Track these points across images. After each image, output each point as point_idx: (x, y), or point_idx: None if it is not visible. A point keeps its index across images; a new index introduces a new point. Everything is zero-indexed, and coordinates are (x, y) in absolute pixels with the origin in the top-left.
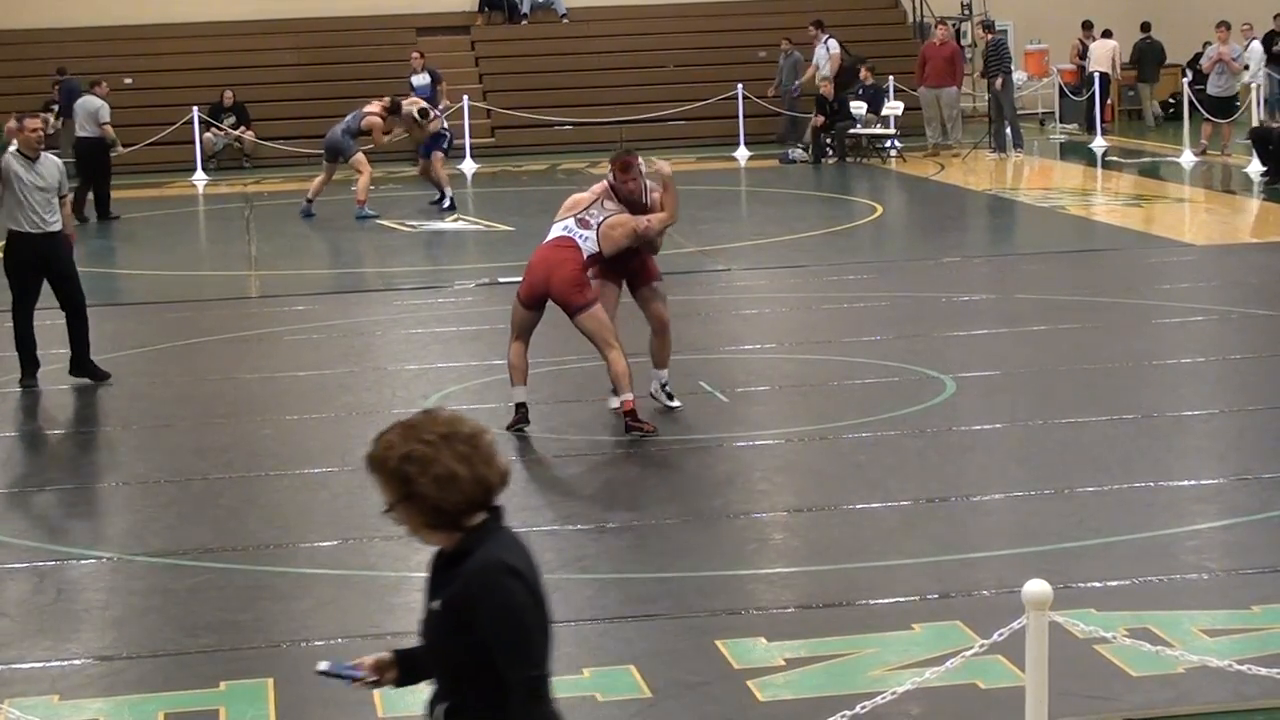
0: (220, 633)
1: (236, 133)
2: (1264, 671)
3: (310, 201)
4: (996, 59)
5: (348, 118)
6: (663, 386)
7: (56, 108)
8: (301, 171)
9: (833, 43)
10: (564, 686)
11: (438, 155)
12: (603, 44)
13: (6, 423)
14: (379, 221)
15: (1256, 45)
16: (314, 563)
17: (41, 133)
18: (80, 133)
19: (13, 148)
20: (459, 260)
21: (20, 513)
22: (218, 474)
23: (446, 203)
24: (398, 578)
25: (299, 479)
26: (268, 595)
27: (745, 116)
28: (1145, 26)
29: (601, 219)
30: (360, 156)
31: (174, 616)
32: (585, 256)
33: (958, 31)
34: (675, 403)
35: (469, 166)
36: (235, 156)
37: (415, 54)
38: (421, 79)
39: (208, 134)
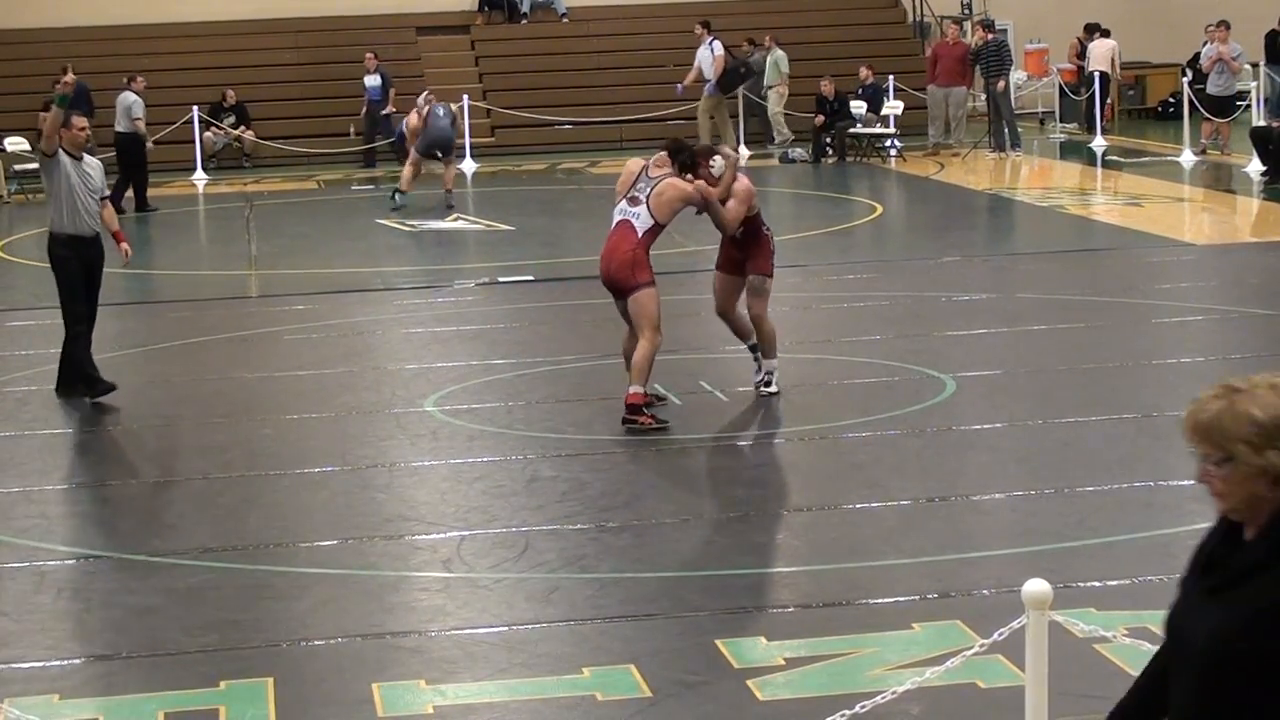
0: (220, 632)
1: (236, 132)
2: None
3: (449, 193)
4: (998, 60)
5: (441, 110)
6: (765, 374)
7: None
8: (301, 171)
9: (717, 44)
10: (564, 686)
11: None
12: (603, 43)
13: (7, 422)
14: (379, 221)
15: (1213, 46)
16: (314, 562)
17: (89, 131)
18: (117, 128)
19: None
20: (459, 260)
21: (21, 512)
22: (217, 473)
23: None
24: (398, 577)
25: (299, 478)
26: (268, 595)
27: (745, 116)
28: (1091, 28)
29: (650, 189)
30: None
31: (174, 616)
32: (642, 234)
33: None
34: (771, 389)
35: (469, 166)
36: (235, 156)
37: (369, 55)
38: (374, 80)
39: (208, 133)
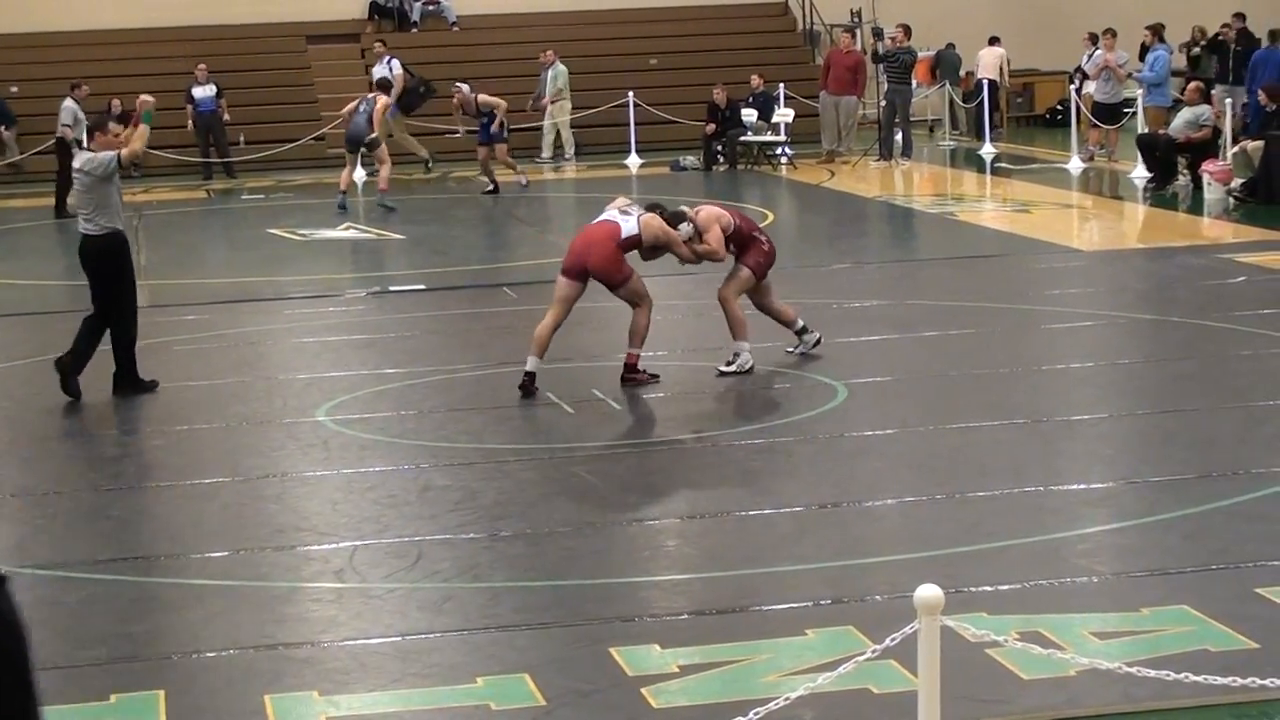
0: (110, 645)
1: None
2: (1153, 673)
3: (344, 194)
4: (901, 68)
5: (361, 106)
6: (731, 355)
7: None
8: (191, 180)
9: (395, 64)
10: (457, 696)
11: (500, 146)
12: (493, 51)
13: None
14: (269, 230)
15: (1100, 54)
16: (205, 574)
17: (123, 139)
18: (57, 132)
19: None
20: (350, 269)
21: None
22: (107, 485)
23: (524, 181)
24: (289, 588)
25: (190, 490)
26: (158, 607)
27: (636, 124)
28: (951, 45)
29: (639, 214)
30: (384, 148)
31: (63, 629)
32: (624, 236)
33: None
34: (729, 369)
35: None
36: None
37: (201, 65)
38: (205, 90)
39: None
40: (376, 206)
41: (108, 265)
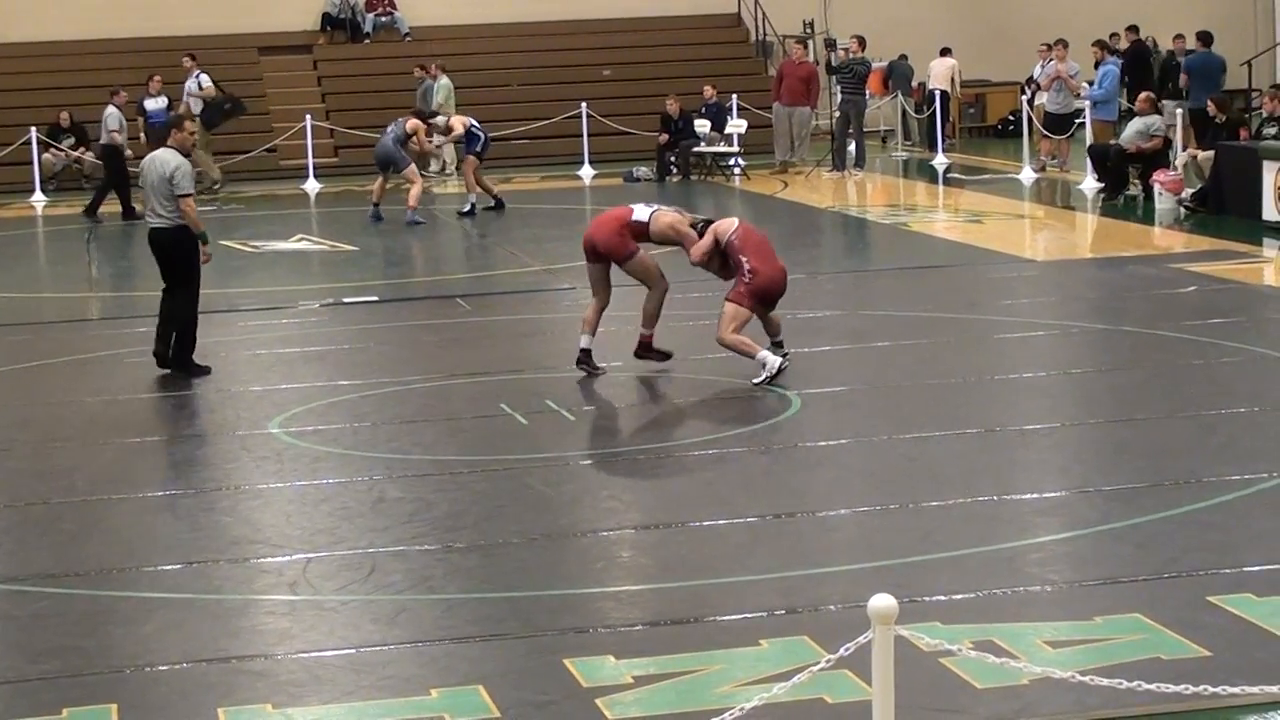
0: (62, 658)
1: (76, 153)
2: (1105, 682)
3: (377, 205)
4: (855, 79)
5: (390, 128)
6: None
7: None
8: (140, 192)
9: (204, 78)
10: (411, 708)
11: (470, 160)
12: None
13: None
14: (222, 242)
15: (1052, 64)
16: (158, 586)
17: (196, 135)
18: (103, 139)
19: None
20: (303, 281)
21: None
22: (59, 498)
23: (466, 208)
24: (243, 601)
25: (142, 502)
26: (111, 620)
27: (589, 135)
28: (904, 56)
29: (655, 210)
30: (413, 167)
31: (15, 643)
32: (633, 219)
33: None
34: (759, 379)
35: (312, 186)
36: (75, 177)
37: (156, 78)
38: (156, 103)
39: (46, 155)
40: (406, 224)
41: (177, 252)
